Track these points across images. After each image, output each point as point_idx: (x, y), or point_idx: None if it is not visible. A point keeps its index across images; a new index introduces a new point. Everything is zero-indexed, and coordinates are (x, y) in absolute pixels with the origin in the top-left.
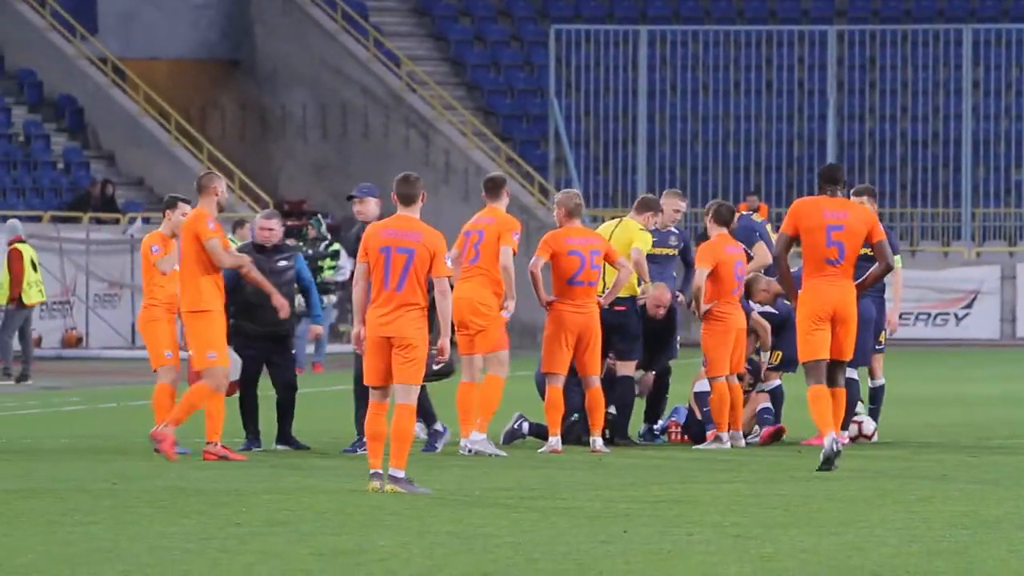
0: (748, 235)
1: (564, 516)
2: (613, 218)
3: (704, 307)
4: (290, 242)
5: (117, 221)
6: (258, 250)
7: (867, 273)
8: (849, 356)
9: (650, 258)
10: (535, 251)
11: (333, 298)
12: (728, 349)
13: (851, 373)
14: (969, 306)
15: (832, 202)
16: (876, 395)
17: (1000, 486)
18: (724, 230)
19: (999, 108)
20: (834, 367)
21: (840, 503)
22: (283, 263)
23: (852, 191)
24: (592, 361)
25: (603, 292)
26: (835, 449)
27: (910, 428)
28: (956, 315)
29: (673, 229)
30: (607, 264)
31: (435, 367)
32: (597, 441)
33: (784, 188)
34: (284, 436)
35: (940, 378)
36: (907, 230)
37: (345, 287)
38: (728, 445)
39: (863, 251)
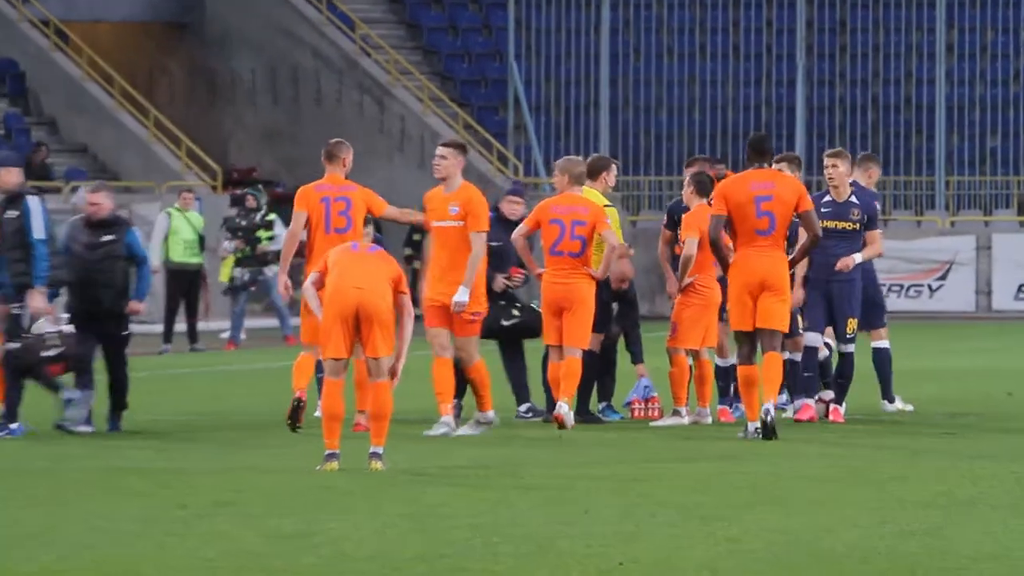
0: None
1: (523, 496)
2: None
3: (687, 280)
4: (232, 212)
5: (59, 190)
6: (86, 224)
7: (797, 248)
8: (782, 327)
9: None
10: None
11: (274, 268)
12: (704, 323)
13: (880, 343)
14: (943, 277)
15: (759, 174)
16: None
17: (975, 464)
18: (704, 200)
19: (974, 72)
20: (766, 334)
21: (809, 482)
22: (107, 237)
23: (774, 159)
24: (573, 332)
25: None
26: (770, 422)
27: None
28: (930, 286)
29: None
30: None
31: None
32: (563, 407)
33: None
34: (112, 418)
35: (913, 352)
36: (879, 199)
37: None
38: (686, 420)
39: (849, 225)
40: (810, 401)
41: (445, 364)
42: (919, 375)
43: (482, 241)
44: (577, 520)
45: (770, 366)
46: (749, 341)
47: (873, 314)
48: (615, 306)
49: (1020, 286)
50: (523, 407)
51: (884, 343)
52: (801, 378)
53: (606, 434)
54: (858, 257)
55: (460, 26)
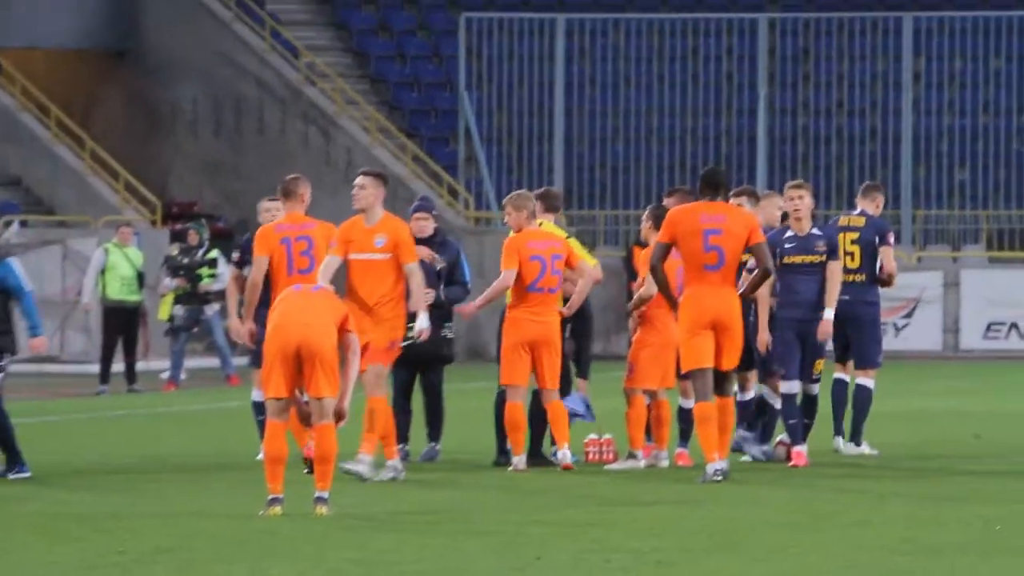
0: None
1: (474, 541)
2: None
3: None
4: (172, 250)
5: None
6: None
7: (747, 281)
8: (734, 364)
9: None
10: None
11: (216, 307)
12: (662, 363)
13: (866, 381)
14: (909, 315)
15: (710, 206)
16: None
17: (942, 509)
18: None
19: (941, 102)
20: (720, 376)
21: (770, 527)
22: None
23: (732, 192)
24: (551, 373)
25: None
26: (718, 479)
27: (818, 447)
28: (895, 325)
29: None
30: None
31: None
32: (567, 455)
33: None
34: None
35: (879, 393)
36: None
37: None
38: (642, 464)
39: (816, 258)
40: (802, 448)
41: (384, 403)
42: (884, 417)
43: (419, 272)
44: (529, 566)
45: (725, 411)
46: (705, 378)
47: (873, 351)
48: (568, 325)
49: (989, 325)
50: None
51: (870, 382)
52: (788, 426)
53: (559, 478)
54: (828, 314)
55: (409, 54)
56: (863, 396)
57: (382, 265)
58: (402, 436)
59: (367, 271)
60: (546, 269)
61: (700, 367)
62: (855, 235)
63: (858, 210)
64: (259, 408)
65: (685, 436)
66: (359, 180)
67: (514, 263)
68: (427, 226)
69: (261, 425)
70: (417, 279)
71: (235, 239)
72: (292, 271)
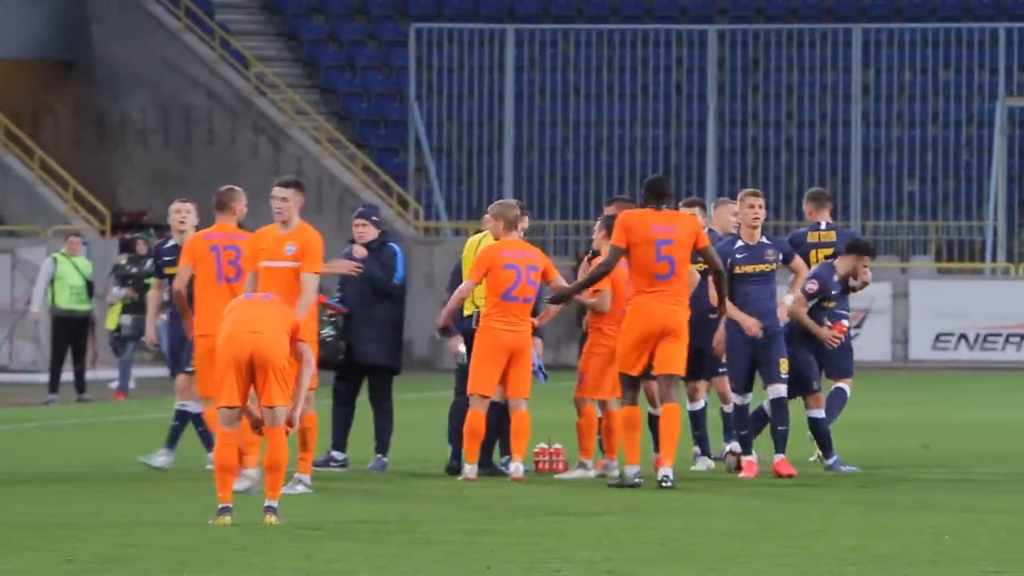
0: None
1: (424, 550)
2: (477, 232)
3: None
4: (121, 259)
5: None
6: None
7: (715, 292)
8: (679, 371)
9: None
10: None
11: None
12: (613, 373)
13: (843, 384)
14: (858, 326)
15: (659, 215)
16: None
17: (892, 519)
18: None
19: (890, 114)
20: (667, 382)
21: (721, 537)
22: None
23: (682, 203)
24: (522, 383)
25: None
26: (636, 482)
27: (795, 457)
28: None
29: None
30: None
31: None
32: (519, 468)
33: None
34: None
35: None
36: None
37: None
38: (592, 473)
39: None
40: (752, 457)
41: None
42: (834, 427)
43: (315, 283)
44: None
45: (669, 419)
46: (636, 386)
47: (848, 361)
48: None
49: (938, 335)
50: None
51: (847, 387)
52: (739, 437)
53: (509, 488)
54: (788, 299)
55: (359, 64)
56: (841, 396)
57: (291, 272)
58: (341, 444)
59: (275, 278)
60: (521, 278)
61: (631, 374)
62: (829, 250)
63: (824, 224)
64: (183, 416)
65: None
66: (281, 192)
67: (478, 276)
68: (366, 232)
69: (203, 436)
70: (309, 288)
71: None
72: (220, 279)
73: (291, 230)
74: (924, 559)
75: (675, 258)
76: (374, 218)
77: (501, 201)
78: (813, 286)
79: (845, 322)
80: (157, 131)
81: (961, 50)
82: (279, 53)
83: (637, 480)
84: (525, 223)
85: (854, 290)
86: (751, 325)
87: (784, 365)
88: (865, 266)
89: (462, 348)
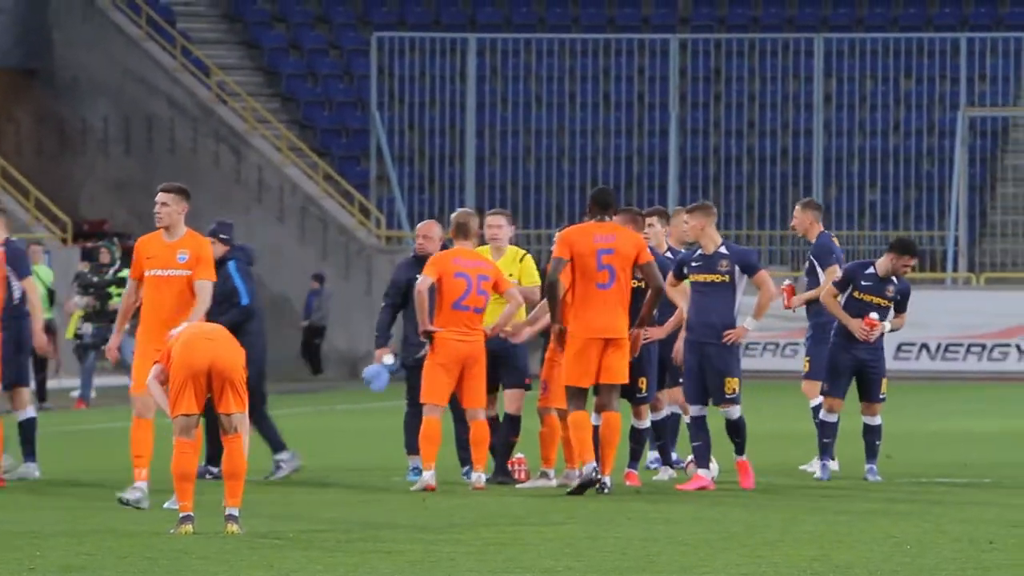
0: None
1: (385, 560)
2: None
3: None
4: (83, 267)
5: None
6: None
7: (644, 303)
8: (622, 380)
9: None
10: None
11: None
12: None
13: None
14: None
15: (601, 226)
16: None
17: (852, 528)
18: None
19: (852, 123)
20: (608, 391)
21: (682, 547)
22: None
23: (644, 212)
24: (478, 392)
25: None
26: (594, 477)
27: (757, 467)
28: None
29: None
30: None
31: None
32: (480, 477)
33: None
34: None
35: (788, 414)
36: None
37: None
38: (554, 483)
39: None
40: (704, 472)
41: (147, 427)
42: (794, 438)
43: (210, 291)
44: None
45: (609, 428)
46: (582, 396)
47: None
48: None
49: (900, 345)
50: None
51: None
52: (692, 448)
53: (471, 497)
54: (749, 323)
55: (320, 73)
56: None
57: (184, 281)
58: (279, 445)
59: (167, 287)
60: (471, 288)
61: (579, 386)
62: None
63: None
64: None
65: (635, 455)
66: (161, 197)
67: (432, 273)
68: (218, 250)
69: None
70: (206, 296)
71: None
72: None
73: (180, 237)
74: (885, 569)
75: (615, 267)
76: (222, 236)
77: (464, 210)
78: (838, 275)
79: (875, 315)
80: (118, 139)
81: (922, 60)
82: (240, 62)
83: (596, 475)
84: (510, 231)
85: (891, 303)
86: (677, 350)
87: (730, 384)
88: (906, 266)
89: (388, 359)
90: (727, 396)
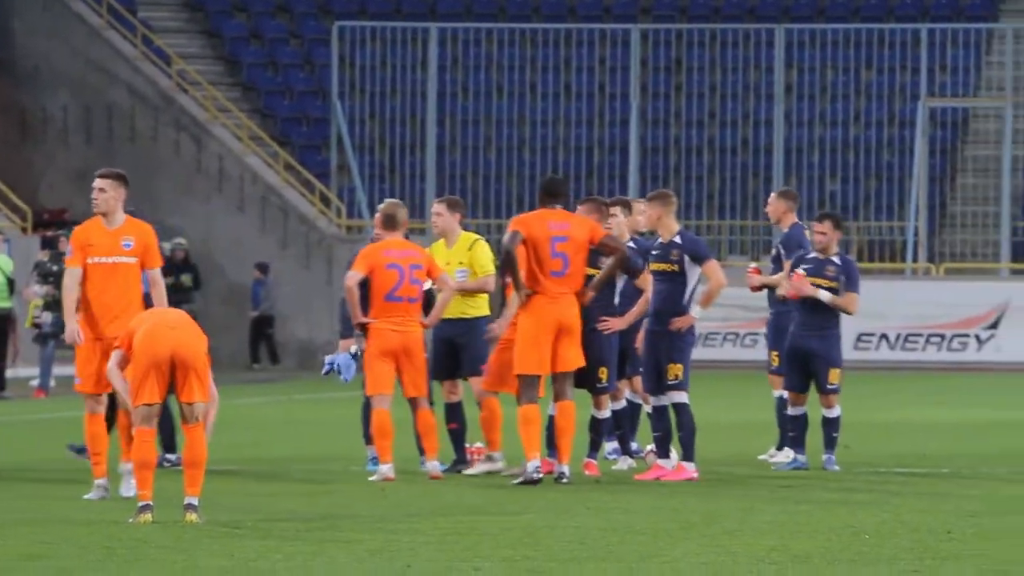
0: None
1: (343, 550)
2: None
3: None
4: (43, 256)
5: None
6: None
7: (603, 270)
8: (575, 367)
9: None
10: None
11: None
12: (510, 365)
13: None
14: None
15: (554, 214)
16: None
17: (811, 518)
18: None
19: (813, 114)
20: (562, 379)
21: (641, 536)
22: None
23: (608, 202)
24: (417, 382)
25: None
26: (535, 477)
27: (716, 457)
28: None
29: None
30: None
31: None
32: (435, 466)
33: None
34: None
35: (748, 404)
36: (714, 243)
37: None
38: (500, 465)
39: (669, 267)
40: (664, 462)
41: (101, 422)
42: (755, 428)
43: (161, 278)
44: (399, 575)
45: (564, 417)
46: (535, 384)
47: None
48: None
49: (859, 335)
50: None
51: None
52: (653, 438)
53: (429, 487)
54: (697, 312)
55: (281, 62)
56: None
57: (129, 269)
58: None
59: (112, 275)
60: (404, 278)
61: (531, 374)
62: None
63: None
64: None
65: (595, 446)
66: (98, 183)
67: (362, 268)
68: None
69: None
70: (161, 287)
71: None
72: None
73: (121, 224)
74: (844, 558)
75: (568, 255)
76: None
77: (392, 201)
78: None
79: (802, 270)
80: (79, 128)
81: (883, 50)
82: (201, 51)
83: (536, 475)
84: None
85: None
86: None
87: (673, 370)
88: (819, 233)
89: (354, 348)
90: (669, 382)
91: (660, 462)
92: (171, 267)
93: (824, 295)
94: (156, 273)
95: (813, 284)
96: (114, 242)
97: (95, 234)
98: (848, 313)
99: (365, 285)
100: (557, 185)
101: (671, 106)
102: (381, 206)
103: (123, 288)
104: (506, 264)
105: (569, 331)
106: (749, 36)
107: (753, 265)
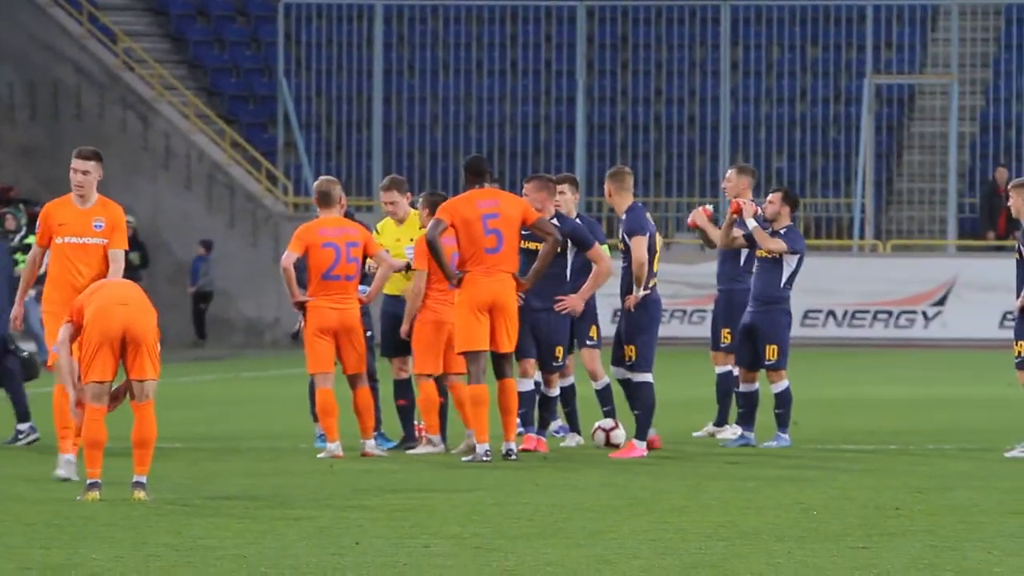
0: None
1: (293, 527)
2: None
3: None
4: None
5: None
6: None
7: (540, 254)
8: (511, 347)
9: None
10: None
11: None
12: (438, 346)
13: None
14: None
15: (482, 193)
16: (603, 396)
17: (759, 495)
18: None
19: (759, 91)
20: (500, 359)
21: (589, 513)
22: None
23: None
24: (355, 360)
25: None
26: (484, 459)
27: (664, 434)
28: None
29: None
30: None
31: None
32: (368, 444)
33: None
34: None
35: (694, 381)
36: (661, 220)
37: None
38: (441, 448)
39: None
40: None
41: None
42: (700, 404)
43: (123, 258)
44: (348, 551)
45: (507, 394)
46: (479, 361)
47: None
48: None
49: (806, 312)
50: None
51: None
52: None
53: (378, 464)
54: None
55: (227, 40)
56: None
57: (98, 250)
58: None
59: (81, 255)
60: (340, 256)
61: (474, 350)
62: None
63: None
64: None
65: (544, 424)
66: (80, 164)
67: (297, 247)
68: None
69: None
70: (118, 266)
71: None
72: None
73: (93, 204)
74: (792, 535)
75: (502, 232)
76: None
77: (327, 178)
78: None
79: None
80: (24, 106)
81: (829, 27)
82: (147, 28)
83: (485, 458)
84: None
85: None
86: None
87: (629, 351)
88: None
89: (296, 327)
90: (554, 364)
91: (635, 441)
92: None
93: (751, 223)
94: (119, 252)
95: (755, 244)
96: (86, 222)
97: (65, 213)
98: (769, 251)
99: (304, 264)
100: (480, 163)
101: (617, 83)
102: (315, 183)
103: (92, 268)
104: (432, 253)
105: (503, 309)
106: (695, 13)
107: (709, 206)
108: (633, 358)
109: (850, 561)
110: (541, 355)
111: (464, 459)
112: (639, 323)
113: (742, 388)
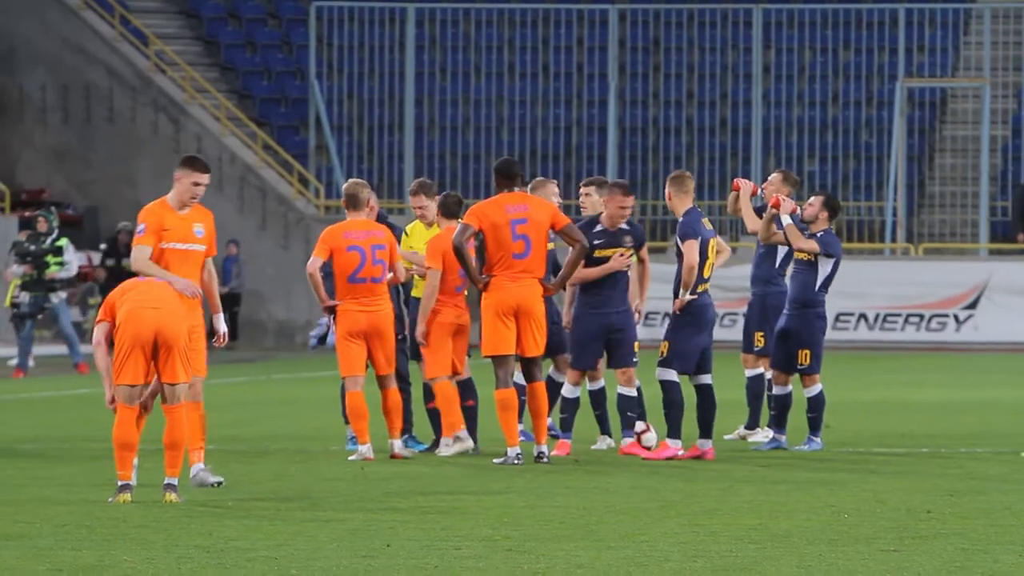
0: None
1: (323, 529)
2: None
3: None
4: (21, 236)
5: None
6: None
7: (566, 261)
8: (539, 352)
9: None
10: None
11: (62, 295)
12: (446, 348)
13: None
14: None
15: (511, 197)
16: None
17: (790, 497)
18: (453, 222)
19: (791, 94)
20: (529, 363)
21: (620, 516)
22: None
23: (583, 182)
24: (385, 361)
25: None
26: (516, 463)
27: (695, 436)
28: (745, 315)
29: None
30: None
31: None
32: (396, 444)
33: (561, 178)
34: None
35: (725, 384)
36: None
37: (73, 283)
38: (470, 444)
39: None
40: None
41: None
42: (735, 407)
43: (212, 265)
44: (379, 554)
45: (537, 398)
46: (506, 365)
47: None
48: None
49: (838, 315)
50: None
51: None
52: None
53: (409, 466)
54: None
55: (259, 43)
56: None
57: (199, 257)
58: None
59: (184, 262)
60: (366, 259)
61: (501, 354)
62: None
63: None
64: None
65: (567, 426)
66: (203, 178)
67: (321, 252)
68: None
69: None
70: (214, 272)
71: (84, 227)
72: None
73: (190, 211)
74: (823, 538)
75: (530, 237)
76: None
77: (356, 180)
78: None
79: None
80: (56, 108)
81: (861, 31)
82: (179, 31)
83: (516, 461)
84: (433, 204)
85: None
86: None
87: (663, 346)
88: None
89: (328, 329)
90: (633, 360)
91: (669, 441)
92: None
93: (786, 219)
94: (210, 260)
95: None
96: (188, 228)
97: (170, 218)
98: (800, 250)
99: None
100: (511, 167)
101: (649, 86)
102: (344, 186)
103: (192, 276)
104: (459, 258)
105: (529, 314)
106: (727, 16)
107: (754, 184)
108: (664, 354)
109: (881, 564)
110: (621, 356)
111: (495, 461)
112: (678, 323)
113: (775, 391)
